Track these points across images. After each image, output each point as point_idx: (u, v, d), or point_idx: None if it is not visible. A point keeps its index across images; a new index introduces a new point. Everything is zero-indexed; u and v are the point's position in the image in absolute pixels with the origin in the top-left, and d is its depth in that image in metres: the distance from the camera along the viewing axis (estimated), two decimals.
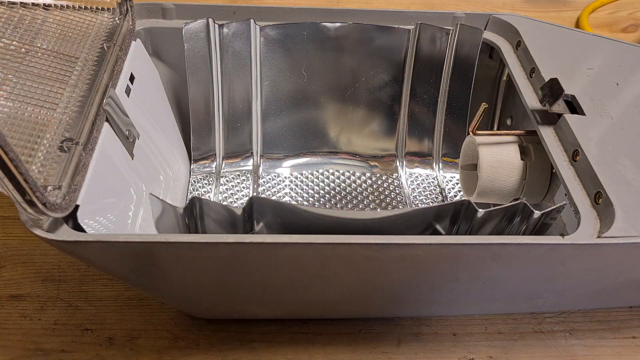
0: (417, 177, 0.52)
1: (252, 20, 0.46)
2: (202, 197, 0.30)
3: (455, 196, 0.50)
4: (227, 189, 0.50)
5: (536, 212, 0.32)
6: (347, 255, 0.31)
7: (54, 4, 0.42)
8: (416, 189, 0.51)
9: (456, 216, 0.32)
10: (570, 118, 0.37)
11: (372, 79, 0.50)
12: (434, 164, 0.53)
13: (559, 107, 0.38)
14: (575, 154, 0.35)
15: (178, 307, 0.41)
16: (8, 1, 0.41)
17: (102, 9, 0.44)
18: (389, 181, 0.52)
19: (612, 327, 0.43)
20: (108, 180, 0.36)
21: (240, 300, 0.39)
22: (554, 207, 0.33)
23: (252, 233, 0.32)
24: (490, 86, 0.52)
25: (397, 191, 0.51)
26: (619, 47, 0.47)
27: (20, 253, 0.45)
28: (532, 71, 0.43)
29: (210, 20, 0.46)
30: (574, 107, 0.39)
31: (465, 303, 0.41)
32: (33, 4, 0.41)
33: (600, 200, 0.32)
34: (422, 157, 0.53)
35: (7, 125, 0.32)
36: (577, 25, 0.76)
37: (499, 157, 0.40)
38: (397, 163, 0.53)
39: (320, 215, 0.30)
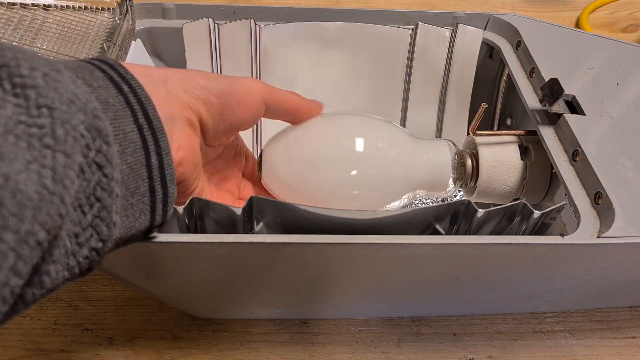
0: None
1: (252, 20, 0.46)
2: (202, 197, 0.30)
3: (455, 196, 0.50)
4: None
5: (536, 212, 0.32)
6: (346, 255, 0.31)
7: (54, 5, 0.42)
8: None
9: (456, 216, 0.32)
10: (570, 118, 0.37)
11: (371, 79, 0.50)
12: None
13: (559, 107, 0.38)
14: (575, 154, 0.35)
15: (178, 307, 0.41)
16: (8, 2, 0.41)
17: (102, 9, 0.44)
18: None
19: (612, 327, 0.43)
20: None
21: (240, 300, 0.39)
22: (554, 207, 0.33)
23: (252, 233, 0.32)
24: (490, 86, 0.52)
25: None
26: (619, 47, 0.47)
27: None
28: (532, 71, 0.43)
29: (210, 20, 0.46)
30: (574, 107, 0.39)
31: (465, 303, 0.41)
32: (33, 4, 0.41)
33: (600, 200, 0.32)
34: None
35: None
36: (577, 25, 0.76)
37: (499, 157, 0.40)
38: None
39: (320, 215, 0.30)
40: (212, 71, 0.48)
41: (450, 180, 0.39)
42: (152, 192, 0.25)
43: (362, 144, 0.36)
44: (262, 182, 0.37)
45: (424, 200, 0.50)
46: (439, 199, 0.50)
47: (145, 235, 0.27)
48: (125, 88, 0.25)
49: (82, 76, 0.23)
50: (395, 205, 0.38)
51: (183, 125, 0.29)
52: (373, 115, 0.39)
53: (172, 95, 0.28)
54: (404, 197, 0.38)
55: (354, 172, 0.35)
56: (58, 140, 0.19)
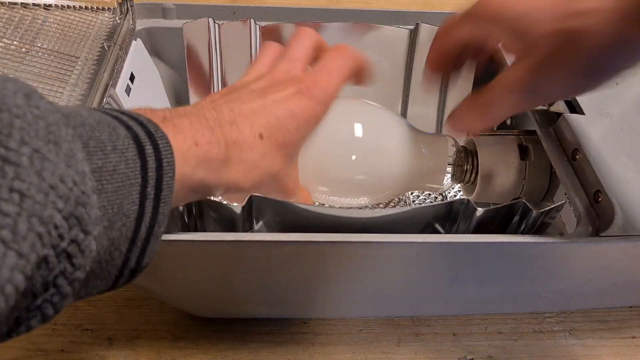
0: None
1: (252, 20, 0.46)
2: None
3: (454, 195, 0.50)
4: None
5: (535, 211, 0.32)
6: (346, 254, 0.31)
7: (55, 4, 0.42)
8: None
9: (455, 215, 0.32)
10: (569, 117, 0.37)
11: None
12: None
13: (559, 106, 0.38)
14: (574, 153, 0.35)
15: (177, 306, 0.41)
16: (9, 2, 0.41)
17: (103, 9, 0.44)
18: None
19: (612, 327, 0.43)
20: None
21: (239, 299, 0.39)
22: (553, 206, 0.33)
23: (252, 232, 0.32)
24: None
25: None
26: None
27: None
28: None
29: (211, 20, 0.46)
30: (573, 106, 0.39)
31: (464, 303, 0.41)
32: (34, 4, 0.41)
33: (599, 199, 0.32)
34: None
35: None
36: None
37: (498, 156, 0.40)
38: None
39: (320, 214, 0.30)
40: (212, 71, 0.48)
41: (448, 176, 0.39)
42: (125, 263, 0.23)
43: (360, 129, 0.36)
44: None
45: (424, 201, 0.50)
46: (435, 194, 0.50)
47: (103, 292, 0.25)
48: (149, 149, 0.23)
49: (97, 137, 0.21)
50: (389, 195, 0.38)
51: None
52: (375, 104, 0.39)
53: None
54: (398, 187, 0.38)
55: (353, 157, 0.35)
56: (16, 235, 0.17)
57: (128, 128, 0.23)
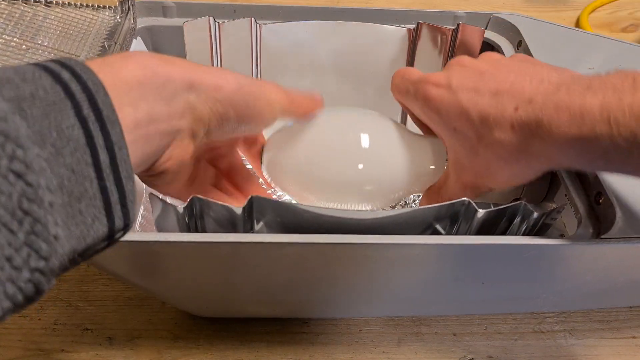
0: None
1: (252, 19, 0.46)
2: (202, 197, 0.30)
3: None
4: None
5: (536, 212, 0.32)
6: (347, 255, 0.31)
7: (56, 1, 0.42)
8: None
9: (456, 216, 0.32)
10: None
11: (372, 79, 0.50)
12: None
13: None
14: None
15: (178, 306, 0.41)
16: None
17: (104, 7, 0.44)
18: None
19: (612, 327, 0.43)
20: None
21: (240, 300, 0.39)
22: (554, 207, 0.33)
23: (252, 232, 0.32)
24: None
25: None
26: (619, 47, 0.47)
27: None
28: None
29: (211, 18, 0.46)
30: None
31: (465, 303, 0.41)
32: (35, 0, 0.41)
33: (600, 200, 0.32)
34: None
35: None
36: (577, 25, 0.76)
37: None
38: None
39: (321, 215, 0.30)
40: None
41: None
42: (104, 193, 0.23)
43: (362, 139, 0.36)
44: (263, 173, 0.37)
45: None
46: None
47: (108, 242, 0.24)
48: (66, 75, 0.22)
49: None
50: (390, 202, 0.38)
51: (184, 137, 0.27)
52: (370, 110, 0.39)
53: (190, 108, 0.27)
54: (399, 193, 0.38)
55: (360, 167, 0.35)
56: None
57: (33, 64, 0.22)
